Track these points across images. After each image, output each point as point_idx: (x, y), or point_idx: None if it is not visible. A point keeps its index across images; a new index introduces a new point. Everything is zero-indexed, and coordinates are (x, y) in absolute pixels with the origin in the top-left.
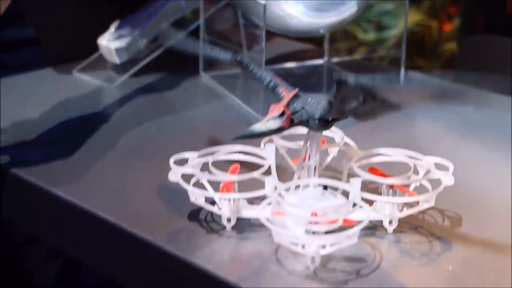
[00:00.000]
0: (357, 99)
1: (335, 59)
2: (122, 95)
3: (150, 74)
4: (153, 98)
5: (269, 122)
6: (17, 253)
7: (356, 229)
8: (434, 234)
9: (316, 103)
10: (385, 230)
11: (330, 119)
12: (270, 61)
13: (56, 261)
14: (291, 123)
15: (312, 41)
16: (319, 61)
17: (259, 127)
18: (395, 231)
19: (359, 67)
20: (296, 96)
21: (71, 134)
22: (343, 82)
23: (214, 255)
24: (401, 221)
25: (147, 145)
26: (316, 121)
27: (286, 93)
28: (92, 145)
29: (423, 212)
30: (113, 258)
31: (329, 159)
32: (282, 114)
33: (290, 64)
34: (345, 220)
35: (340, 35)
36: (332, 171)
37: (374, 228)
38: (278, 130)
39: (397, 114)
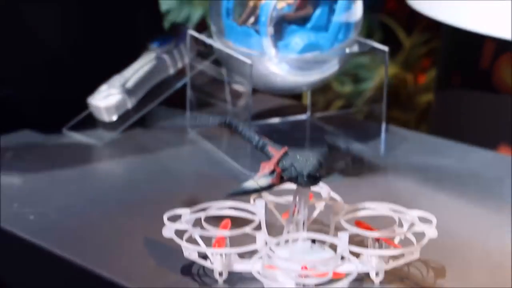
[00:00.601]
0: (345, 161)
1: (318, 114)
2: (111, 152)
3: (138, 130)
4: (142, 154)
5: (260, 179)
6: None
7: (346, 282)
8: (419, 284)
9: (304, 160)
10: (372, 281)
11: (318, 175)
12: (253, 117)
13: None
14: (281, 179)
15: (292, 96)
16: (302, 116)
17: (251, 184)
18: (381, 282)
19: (341, 122)
20: (284, 154)
21: (61, 190)
22: (334, 147)
23: None
24: (387, 272)
25: (138, 200)
26: (305, 178)
27: (276, 151)
28: (84, 201)
29: (408, 263)
30: None
31: (316, 213)
32: (272, 172)
33: (273, 120)
34: (334, 273)
35: (318, 88)
36: (319, 224)
37: (361, 280)
38: (269, 187)
39: (379, 168)
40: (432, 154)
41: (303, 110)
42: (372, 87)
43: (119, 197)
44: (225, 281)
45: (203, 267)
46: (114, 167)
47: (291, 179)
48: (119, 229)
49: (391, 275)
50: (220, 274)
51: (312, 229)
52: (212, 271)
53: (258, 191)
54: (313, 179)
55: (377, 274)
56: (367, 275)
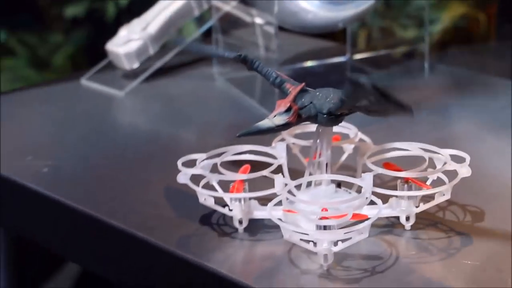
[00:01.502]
0: (368, 99)
1: (358, 56)
2: (133, 102)
3: (161, 79)
4: (166, 103)
5: (275, 117)
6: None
7: (367, 223)
8: (454, 229)
9: (324, 97)
10: (403, 227)
11: (339, 113)
12: (289, 61)
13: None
14: (299, 118)
15: (336, 39)
16: (341, 59)
17: (265, 123)
18: (413, 227)
19: (384, 63)
20: (303, 91)
21: (81, 143)
22: (357, 84)
23: (227, 258)
24: (420, 217)
25: (158, 151)
26: (325, 116)
27: (293, 88)
28: (103, 153)
29: (443, 208)
30: (123, 264)
31: (344, 157)
32: (289, 110)
33: (309, 63)
34: (357, 216)
35: (376, 33)
36: (348, 169)
37: (391, 225)
38: (285, 126)
39: (420, 110)
40: (487, 95)
41: (342, 52)
42: (439, 30)
43: (139, 148)
44: (245, 230)
45: (223, 216)
46: (135, 118)
47: (310, 118)
48: (136, 180)
49: (424, 220)
50: (240, 222)
51: (340, 174)
52: (232, 220)
53: (273, 130)
54: (334, 117)
55: (407, 218)
56: (397, 220)
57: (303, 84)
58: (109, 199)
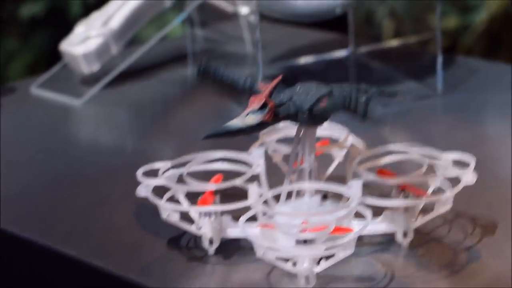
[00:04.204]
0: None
1: (363, 49)
2: (93, 112)
3: (127, 83)
4: (133, 112)
5: (248, 116)
6: None
7: (351, 236)
8: (460, 245)
9: (305, 92)
10: (400, 244)
11: (323, 111)
12: (279, 57)
13: None
14: (276, 117)
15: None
16: (342, 53)
17: (235, 123)
18: (411, 244)
19: (394, 57)
20: (282, 86)
21: (31, 161)
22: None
23: (195, 286)
24: (420, 232)
25: (123, 166)
26: (306, 114)
27: (268, 85)
28: (57, 171)
29: (448, 220)
30: None
31: (334, 165)
32: (264, 107)
33: (304, 59)
34: (343, 230)
35: (407, 22)
36: (339, 180)
37: (387, 243)
38: (259, 126)
39: (431, 109)
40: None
41: (344, 45)
42: (484, 19)
43: (99, 164)
44: (218, 251)
45: (194, 237)
46: (95, 130)
47: (289, 117)
48: (95, 200)
49: (424, 235)
50: (211, 241)
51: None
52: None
53: (245, 131)
54: (317, 116)
55: (404, 234)
56: (394, 237)
57: (280, 76)
58: (63, 223)
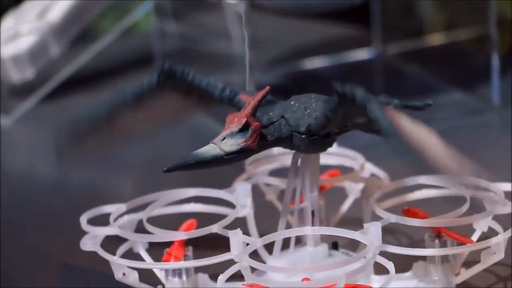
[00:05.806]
0: (364, 115)
1: (394, 48)
2: (26, 133)
3: (75, 95)
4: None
5: (225, 141)
6: None
7: None
8: None
9: (302, 108)
10: None
11: (327, 133)
12: (280, 59)
13: None
14: (263, 141)
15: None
16: (364, 53)
17: (209, 150)
18: None
19: (433, 58)
20: (269, 100)
21: None
22: (348, 96)
23: None
24: None
25: (67, 206)
26: (304, 136)
27: (251, 98)
28: None
29: (502, 275)
30: None
31: (348, 203)
32: (245, 128)
33: (314, 62)
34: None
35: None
36: (356, 224)
37: None
38: (241, 154)
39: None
40: None
41: (367, 43)
42: None
43: (35, 204)
44: None
45: None
46: (27, 158)
47: (281, 140)
48: (27, 254)
49: None
50: None
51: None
52: None
53: (223, 160)
54: (319, 139)
55: None
56: None
57: (267, 88)
58: None
